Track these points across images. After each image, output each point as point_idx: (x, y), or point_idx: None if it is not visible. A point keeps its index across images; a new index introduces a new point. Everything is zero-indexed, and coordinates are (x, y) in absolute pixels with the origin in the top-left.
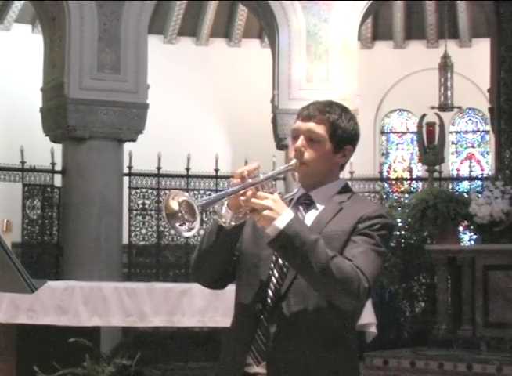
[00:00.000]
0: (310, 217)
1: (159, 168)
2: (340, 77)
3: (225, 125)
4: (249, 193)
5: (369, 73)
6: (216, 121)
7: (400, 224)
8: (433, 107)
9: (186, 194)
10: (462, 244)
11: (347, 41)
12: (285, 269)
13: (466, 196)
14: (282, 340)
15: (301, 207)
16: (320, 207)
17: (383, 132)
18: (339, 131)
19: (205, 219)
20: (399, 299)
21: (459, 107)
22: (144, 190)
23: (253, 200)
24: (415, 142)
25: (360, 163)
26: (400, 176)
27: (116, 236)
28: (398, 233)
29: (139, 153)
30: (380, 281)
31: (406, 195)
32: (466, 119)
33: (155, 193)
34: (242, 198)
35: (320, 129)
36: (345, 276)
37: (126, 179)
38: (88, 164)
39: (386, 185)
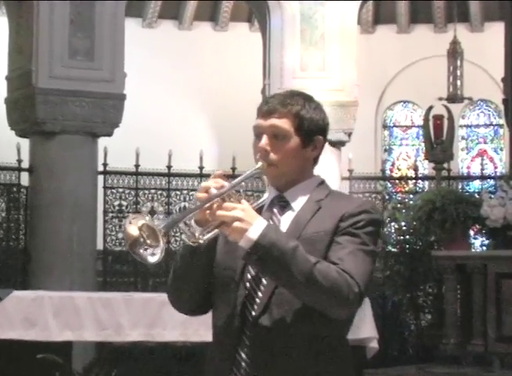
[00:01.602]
0: (286, 219)
1: (137, 166)
2: (337, 65)
3: (210, 119)
4: (215, 205)
5: (369, 60)
6: (201, 113)
7: (404, 228)
8: (441, 98)
9: (147, 217)
10: (472, 250)
11: (345, 25)
12: (263, 279)
13: (477, 196)
14: (266, 357)
15: (275, 210)
16: (296, 207)
17: (385, 126)
18: (305, 122)
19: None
20: (403, 311)
21: (469, 98)
22: (121, 190)
23: (219, 212)
24: (421, 138)
25: (360, 160)
26: (404, 175)
27: (89, 240)
28: (402, 237)
29: (115, 149)
30: (382, 291)
31: (411, 196)
32: (477, 111)
33: (133, 193)
34: (208, 212)
35: (284, 124)
36: (333, 283)
37: (101, 178)
38: (58, 162)
39: (389, 184)
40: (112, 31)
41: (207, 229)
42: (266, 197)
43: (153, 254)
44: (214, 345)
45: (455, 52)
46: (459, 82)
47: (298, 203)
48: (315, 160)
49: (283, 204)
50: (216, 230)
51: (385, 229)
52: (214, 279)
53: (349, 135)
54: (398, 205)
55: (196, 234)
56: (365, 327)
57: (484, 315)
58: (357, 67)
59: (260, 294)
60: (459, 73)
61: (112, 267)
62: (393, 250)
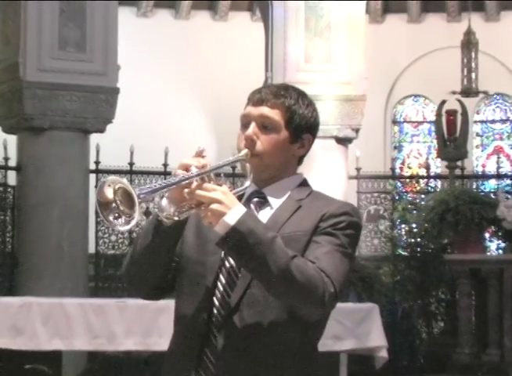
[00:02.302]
0: (263, 217)
1: (131, 164)
2: (344, 57)
3: (209, 114)
4: (194, 184)
5: (378, 52)
6: (199, 108)
7: (415, 230)
8: (454, 92)
9: (124, 181)
10: (488, 254)
11: (353, 14)
12: (234, 276)
13: (492, 197)
14: (233, 359)
15: (252, 206)
16: (275, 205)
17: (395, 122)
18: (296, 117)
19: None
20: (414, 318)
21: (484, 92)
22: None
23: (199, 192)
24: (433, 134)
25: (368, 158)
26: (415, 174)
27: (81, 243)
28: (412, 240)
29: (108, 147)
30: (392, 297)
31: (422, 196)
32: (493, 106)
33: None
34: (186, 190)
35: (274, 114)
36: (308, 280)
37: (93, 177)
38: (47, 159)
39: (398, 184)
40: (104, 21)
41: (181, 207)
42: (247, 185)
43: (125, 223)
44: (174, 346)
45: (469, 43)
46: (473, 75)
47: (277, 200)
48: (300, 160)
49: (262, 201)
50: (191, 210)
51: (395, 232)
52: (180, 273)
53: (357, 131)
54: (409, 206)
55: (170, 211)
56: (373, 336)
57: (501, 323)
58: (365, 59)
59: (230, 291)
60: (473, 65)
61: (104, 272)
62: (403, 253)
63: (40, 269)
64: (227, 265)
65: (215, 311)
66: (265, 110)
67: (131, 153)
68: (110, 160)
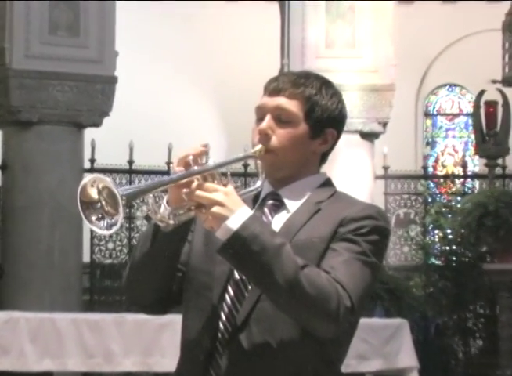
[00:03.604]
0: (278, 222)
1: (131, 162)
2: (370, 41)
3: (217, 105)
4: (194, 183)
5: (408, 36)
6: (206, 99)
7: (450, 236)
8: (494, 81)
9: (109, 180)
10: None
11: None
12: (243, 289)
13: None
14: None
15: (266, 209)
16: (292, 208)
17: (427, 115)
18: (317, 109)
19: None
20: (449, 336)
21: None
22: None
23: (198, 192)
24: (470, 128)
25: (397, 155)
26: (450, 173)
27: (74, 251)
28: (447, 247)
29: (105, 143)
30: (424, 312)
31: (458, 198)
32: None
33: None
34: (185, 190)
35: (292, 106)
36: (320, 292)
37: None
38: (36, 157)
39: (431, 184)
40: (100, 2)
41: (178, 209)
42: (258, 185)
43: (109, 226)
44: (181, 361)
45: (511, 26)
46: None
47: (295, 203)
48: (324, 157)
49: (277, 203)
50: (190, 213)
51: (427, 238)
52: (187, 284)
53: (384, 125)
54: (443, 209)
55: (166, 213)
56: (403, 355)
57: None
58: (393, 44)
59: (238, 305)
60: None
61: (101, 283)
62: (436, 263)
63: (28, 280)
64: (236, 275)
65: (222, 327)
66: (281, 100)
67: (131, 150)
68: (107, 158)
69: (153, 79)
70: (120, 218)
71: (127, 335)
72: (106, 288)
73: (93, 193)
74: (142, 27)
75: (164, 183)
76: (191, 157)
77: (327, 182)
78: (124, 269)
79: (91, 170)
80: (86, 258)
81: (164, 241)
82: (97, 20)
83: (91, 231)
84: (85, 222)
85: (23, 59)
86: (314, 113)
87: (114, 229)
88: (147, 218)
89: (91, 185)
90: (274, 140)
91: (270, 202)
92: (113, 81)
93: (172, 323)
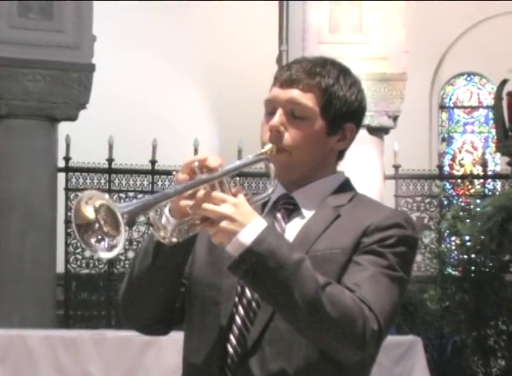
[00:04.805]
0: (293, 229)
1: (110, 161)
2: (379, 25)
3: (208, 98)
4: (200, 194)
5: (422, 20)
6: (196, 91)
7: (469, 243)
8: None
9: (106, 197)
10: None
11: None
12: (255, 305)
13: None
14: None
15: (279, 215)
16: (308, 213)
17: (443, 107)
18: (335, 102)
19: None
20: (468, 354)
21: None
22: None
23: (205, 205)
24: (491, 122)
25: (409, 153)
26: (469, 173)
27: (47, 260)
28: (465, 256)
29: (81, 139)
30: (439, 328)
31: (478, 201)
32: None
33: None
34: (189, 202)
35: (307, 99)
36: (344, 314)
37: (62, 177)
38: (4, 155)
39: (448, 185)
40: None
41: (184, 223)
42: (270, 192)
43: (110, 248)
44: None
45: None
46: None
47: (311, 207)
48: (341, 155)
49: (291, 208)
50: (196, 228)
51: (443, 246)
52: (189, 299)
53: (395, 119)
54: (461, 213)
55: (169, 228)
56: (417, 375)
57: None
58: (405, 29)
59: (249, 325)
60: None
61: (77, 296)
62: (453, 273)
63: None
64: (247, 290)
65: (231, 350)
66: (295, 93)
67: (110, 147)
68: (84, 156)
69: (136, 67)
70: (122, 238)
71: (106, 354)
72: (82, 302)
73: (89, 213)
74: (123, 8)
75: (169, 196)
76: (196, 164)
77: (346, 183)
78: (103, 280)
79: (66, 169)
80: (60, 268)
81: (166, 255)
82: (73, 2)
83: (66, 238)
84: (85, 248)
85: None
86: (331, 107)
87: (116, 251)
88: (129, 223)
89: (86, 202)
90: (287, 138)
91: (283, 207)
92: (90, 69)
93: (157, 341)
